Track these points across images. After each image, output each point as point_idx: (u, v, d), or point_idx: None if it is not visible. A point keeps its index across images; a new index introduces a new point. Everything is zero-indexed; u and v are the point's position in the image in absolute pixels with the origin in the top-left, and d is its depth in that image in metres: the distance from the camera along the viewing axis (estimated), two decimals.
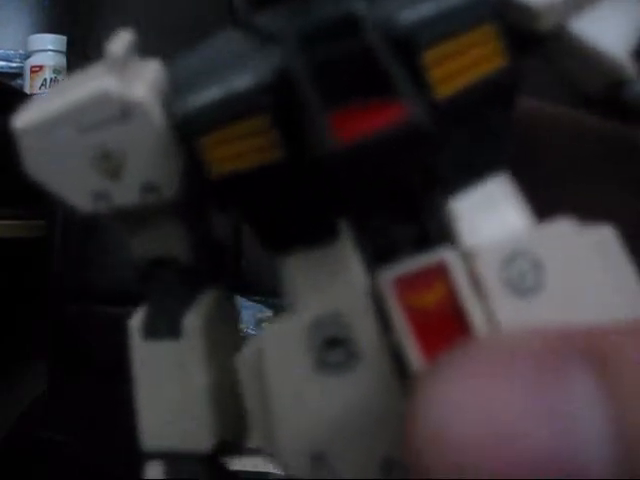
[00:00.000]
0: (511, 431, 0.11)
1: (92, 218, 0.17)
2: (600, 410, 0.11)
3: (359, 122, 0.12)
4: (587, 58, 0.15)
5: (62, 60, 1.12)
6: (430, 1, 0.14)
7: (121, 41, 0.15)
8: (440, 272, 0.13)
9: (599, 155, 0.19)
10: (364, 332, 0.14)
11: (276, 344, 0.14)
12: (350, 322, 0.14)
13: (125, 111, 0.15)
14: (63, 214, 0.80)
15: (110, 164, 0.15)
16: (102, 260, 0.78)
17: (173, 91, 0.14)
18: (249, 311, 0.70)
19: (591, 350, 0.12)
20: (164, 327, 0.16)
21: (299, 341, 0.14)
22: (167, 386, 0.16)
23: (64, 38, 1.14)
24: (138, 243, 0.17)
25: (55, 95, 0.15)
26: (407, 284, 0.13)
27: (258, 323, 0.68)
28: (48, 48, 1.13)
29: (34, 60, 1.13)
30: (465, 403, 0.12)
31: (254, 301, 0.71)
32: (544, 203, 0.14)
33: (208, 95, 0.14)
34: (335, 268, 0.15)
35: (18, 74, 1.15)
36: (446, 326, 0.13)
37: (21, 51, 1.17)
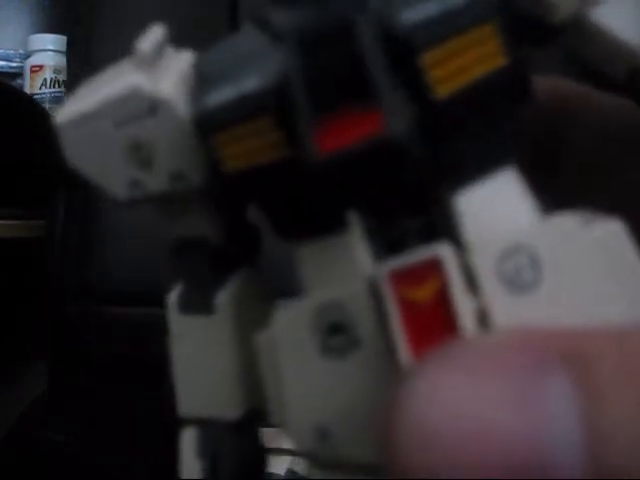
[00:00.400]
0: (487, 427, 0.12)
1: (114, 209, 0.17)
2: (575, 411, 0.12)
3: (343, 131, 0.13)
4: (606, 46, 0.15)
5: (62, 60, 1.12)
6: (431, 1, 0.14)
7: (151, 36, 0.16)
8: (434, 267, 0.13)
9: (626, 139, 0.19)
10: (363, 320, 0.14)
11: (286, 327, 0.15)
12: (351, 310, 0.15)
13: (153, 107, 0.16)
14: (63, 214, 0.80)
15: (142, 155, 0.16)
16: (102, 260, 0.78)
17: (197, 87, 0.16)
18: None
19: (572, 352, 0.12)
20: (198, 303, 0.18)
21: (306, 325, 0.15)
22: (200, 358, 0.18)
23: (64, 38, 1.13)
24: (173, 225, 0.18)
25: (91, 90, 0.17)
26: (402, 277, 0.13)
27: None
28: (48, 48, 1.13)
29: (34, 60, 1.13)
30: (444, 400, 0.12)
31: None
32: (569, 188, 0.14)
33: (222, 95, 0.15)
34: (342, 257, 0.15)
35: (18, 74, 1.15)
36: (437, 321, 0.13)
37: (21, 51, 1.17)
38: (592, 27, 0.15)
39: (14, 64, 1.17)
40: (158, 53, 0.16)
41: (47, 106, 1.06)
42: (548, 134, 0.19)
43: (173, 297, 0.18)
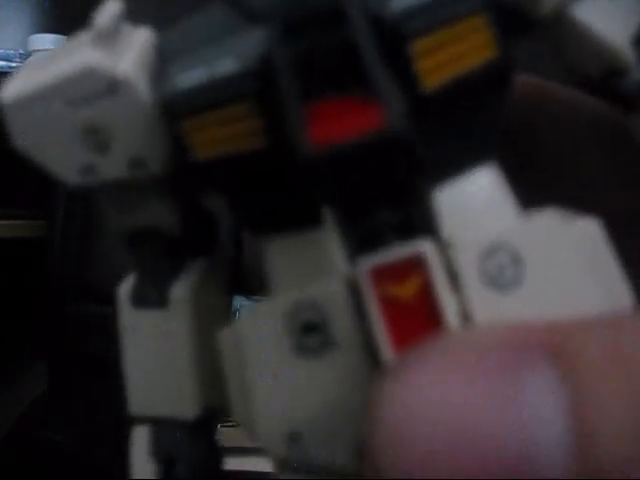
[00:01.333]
0: (470, 425, 0.11)
1: (88, 213, 0.17)
2: (557, 402, 0.11)
3: (337, 121, 0.12)
4: (586, 44, 0.15)
5: None
6: None
7: (109, 10, 0.15)
8: (417, 264, 0.13)
9: (594, 138, 0.20)
10: (339, 320, 0.14)
11: (256, 327, 0.14)
12: (326, 309, 0.14)
13: (111, 87, 0.14)
14: (63, 214, 0.80)
15: (98, 138, 0.15)
16: (102, 260, 0.78)
17: (162, 68, 0.14)
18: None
19: (555, 347, 0.12)
20: (152, 296, 0.17)
21: (278, 324, 0.14)
22: (154, 353, 0.17)
23: (64, 38, 1.14)
24: (127, 213, 0.16)
25: (41, 67, 0.15)
26: (383, 274, 0.13)
27: None
28: (48, 48, 1.13)
29: None
30: (426, 397, 0.12)
31: (254, 301, 0.71)
32: (540, 185, 0.14)
33: (192, 78, 0.14)
34: (316, 254, 0.15)
35: None
36: (420, 318, 0.13)
37: (21, 51, 1.17)
38: (572, 25, 0.15)
39: (14, 64, 1.17)
40: (116, 29, 0.15)
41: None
42: (520, 128, 0.20)
43: (124, 289, 0.17)
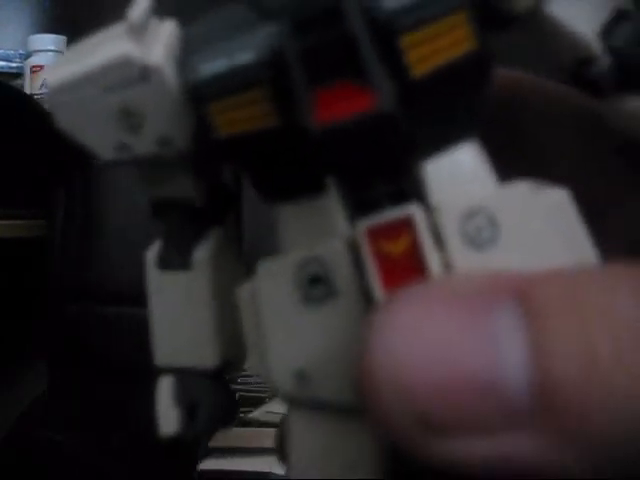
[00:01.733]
0: (446, 350, 0.14)
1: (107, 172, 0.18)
2: (520, 335, 0.14)
3: (339, 103, 0.14)
4: (559, 36, 0.17)
5: None
6: None
7: (140, 7, 0.17)
8: (407, 225, 0.15)
9: (575, 127, 0.22)
10: (340, 273, 0.16)
11: (269, 280, 0.17)
12: (330, 264, 0.16)
13: (143, 74, 0.16)
14: (63, 214, 0.80)
15: (131, 120, 0.17)
16: (102, 260, 0.78)
17: (185, 57, 0.16)
18: None
19: (520, 290, 0.14)
20: (176, 260, 0.19)
21: (288, 277, 0.17)
22: (178, 311, 0.19)
23: (64, 38, 1.14)
24: (156, 186, 0.19)
25: (79, 56, 0.17)
26: (378, 233, 0.16)
27: None
28: (48, 48, 1.13)
29: (34, 60, 1.13)
30: (410, 327, 0.14)
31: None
32: (523, 172, 0.16)
33: (215, 66, 0.16)
34: (321, 219, 0.18)
35: (18, 74, 1.16)
36: (408, 271, 0.15)
37: (21, 51, 1.17)
38: (546, 19, 0.17)
39: (14, 64, 1.17)
40: (146, 22, 0.17)
41: (47, 106, 1.06)
42: (505, 119, 0.22)
43: (151, 255, 0.19)
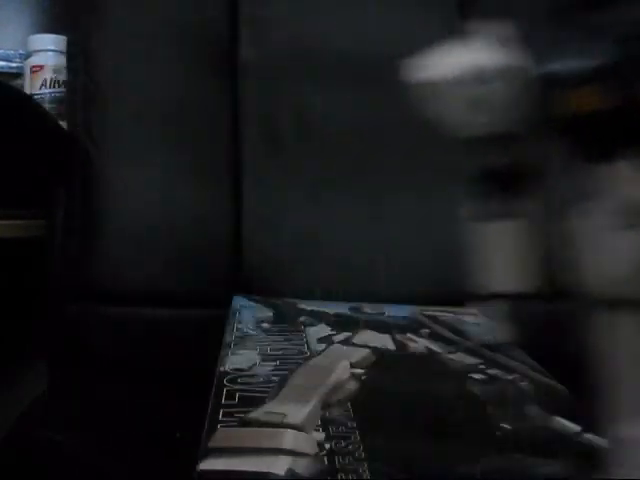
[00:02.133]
0: None
1: None
2: None
3: None
4: None
5: (62, 60, 1.12)
6: None
7: (502, 28, 0.25)
8: None
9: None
10: None
11: (593, 215, 0.26)
12: None
13: (499, 74, 0.24)
14: (63, 214, 0.80)
15: (481, 106, 0.25)
16: (102, 260, 0.78)
17: (535, 60, 0.25)
18: (249, 311, 0.70)
19: None
20: (499, 212, 0.28)
21: (608, 215, 0.25)
22: (504, 253, 0.28)
23: (64, 38, 1.13)
24: (490, 156, 0.27)
25: (444, 59, 0.26)
26: None
27: (258, 323, 0.68)
28: (48, 48, 1.13)
29: (34, 60, 1.13)
30: None
31: (254, 301, 0.71)
32: None
33: (568, 67, 0.24)
34: (619, 178, 0.26)
35: (18, 74, 1.15)
36: None
37: (21, 51, 1.17)
38: None
39: (14, 64, 1.17)
40: (502, 39, 0.25)
41: (47, 106, 1.06)
42: None
43: (466, 212, 0.29)
